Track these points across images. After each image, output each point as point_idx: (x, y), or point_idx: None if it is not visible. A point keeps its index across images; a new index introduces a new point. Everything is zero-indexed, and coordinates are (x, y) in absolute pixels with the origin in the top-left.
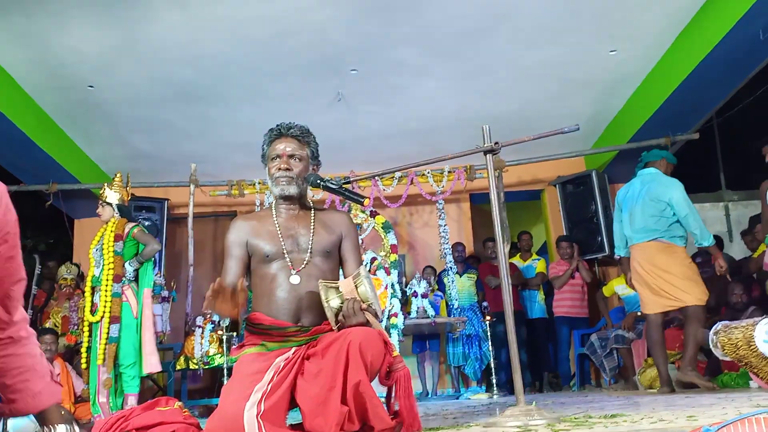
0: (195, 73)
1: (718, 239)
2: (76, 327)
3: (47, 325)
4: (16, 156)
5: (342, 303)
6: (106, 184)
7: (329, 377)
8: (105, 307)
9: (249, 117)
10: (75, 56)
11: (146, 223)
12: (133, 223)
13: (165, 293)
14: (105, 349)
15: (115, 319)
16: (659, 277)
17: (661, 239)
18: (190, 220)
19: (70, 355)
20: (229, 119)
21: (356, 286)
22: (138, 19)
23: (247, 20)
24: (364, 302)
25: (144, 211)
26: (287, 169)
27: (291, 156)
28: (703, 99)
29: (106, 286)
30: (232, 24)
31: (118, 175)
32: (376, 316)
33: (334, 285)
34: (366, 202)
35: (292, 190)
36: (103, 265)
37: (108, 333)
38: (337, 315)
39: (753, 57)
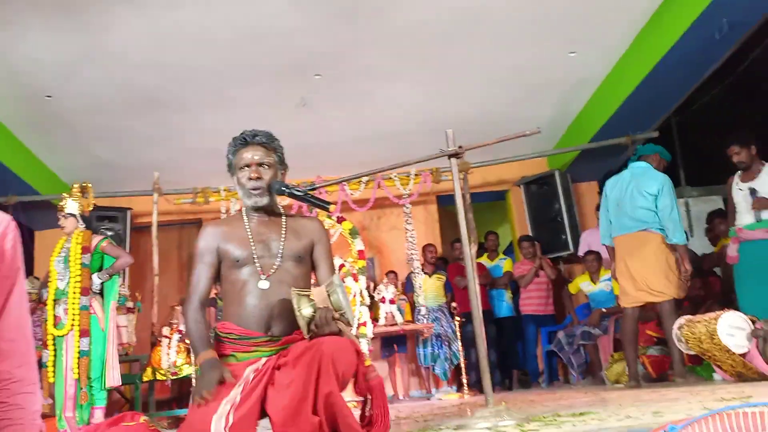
0: (158, 80)
1: None
2: (39, 342)
3: None
4: None
5: (314, 312)
6: (65, 195)
7: (300, 388)
8: (74, 320)
9: (214, 123)
10: (32, 65)
11: (109, 233)
12: (101, 236)
13: (130, 304)
14: (78, 363)
15: (84, 333)
16: (644, 268)
17: (651, 230)
18: (154, 229)
19: None
20: (193, 126)
21: (329, 295)
22: (97, 26)
23: (211, 26)
24: (336, 311)
25: (107, 221)
26: (258, 178)
27: (260, 164)
28: (661, 98)
29: (74, 299)
30: (195, 30)
31: (77, 185)
32: (348, 324)
33: (306, 293)
34: (332, 208)
35: (265, 201)
36: (70, 277)
37: (79, 347)
38: (309, 324)
39: (709, 57)
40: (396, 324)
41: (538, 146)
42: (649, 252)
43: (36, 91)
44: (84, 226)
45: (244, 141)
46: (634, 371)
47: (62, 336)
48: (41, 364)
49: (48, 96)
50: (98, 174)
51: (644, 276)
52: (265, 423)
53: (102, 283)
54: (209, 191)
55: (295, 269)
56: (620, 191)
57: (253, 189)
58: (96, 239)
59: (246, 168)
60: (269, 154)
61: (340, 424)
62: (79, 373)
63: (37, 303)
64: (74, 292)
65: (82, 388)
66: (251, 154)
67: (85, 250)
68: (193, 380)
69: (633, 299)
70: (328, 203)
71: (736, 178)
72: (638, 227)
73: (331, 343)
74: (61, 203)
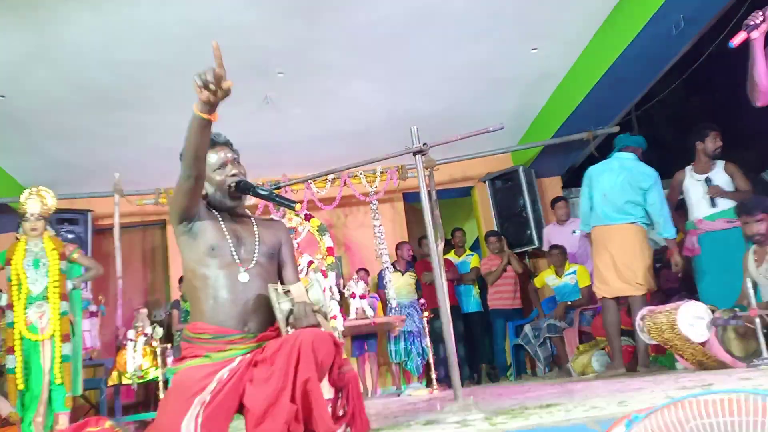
0: (113, 78)
1: None
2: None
3: None
4: None
5: (293, 306)
6: (26, 200)
7: (281, 379)
8: (55, 325)
9: (174, 122)
10: None
11: (69, 236)
12: (72, 245)
13: (93, 308)
14: (61, 368)
15: (66, 338)
16: (632, 261)
17: (638, 223)
18: (116, 230)
19: None
20: (152, 125)
21: (307, 290)
22: (49, 22)
23: (167, 23)
24: (314, 305)
25: (66, 223)
26: (239, 173)
27: (234, 161)
28: (622, 93)
29: (55, 304)
30: (150, 27)
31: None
32: (326, 318)
33: (284, 289)
34: (297, 207)
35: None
36: (48, 282)
37: (62, 352)
38: (287, 318)
39: (667, 51)
40: (367, 318)
41: (503, 142)
42: (636, 244)
43: None
44: (54, 232)
45: (213, 142)
46: (620, 357)
47: (37, 341)
48: (6, 371)
49: (0, 96)
50: (56, 175)
51: (632, 268)
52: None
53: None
54: (171, 191)
55: (268, 264)
56: (609, 181)
57: (237, 184)
58: (68, 248)
59: (224, 167)
60: (234, 153)
61: (314, 416)
62: (63, 379)
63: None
64: (55, 298)
65: (67, 393)
66: (223, 153)
67: (62, 256)
68: (160, 383)
69: (616, 290)
70: (294, 202)
71: (689, 171)
72: (625, 219)
73: (310, 332)
74: (23, 207)
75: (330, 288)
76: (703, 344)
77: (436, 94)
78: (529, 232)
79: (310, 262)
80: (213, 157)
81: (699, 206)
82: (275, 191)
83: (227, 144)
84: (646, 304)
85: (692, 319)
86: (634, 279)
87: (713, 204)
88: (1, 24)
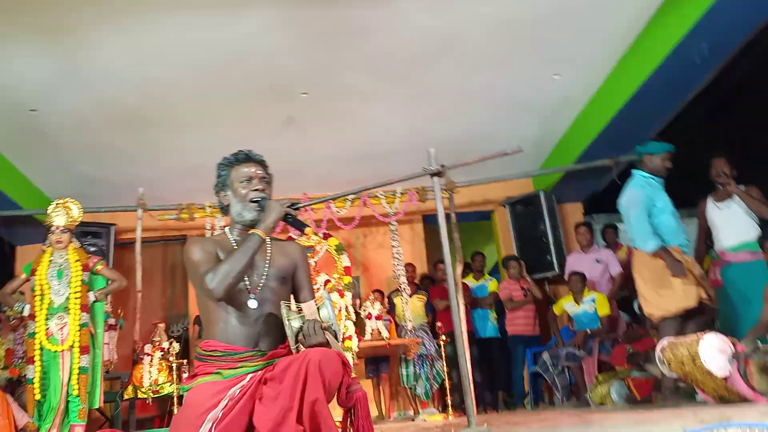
0: (141, 98)
1: None
2: (20, 360)
3: None
4: None
5: (303, 324)
6: (52, 212)
7: (288, 398)
8: (75, 337)
9: (197, 141)
10: (15, 80)
11: (92, 249)
12: (97, 258)
13: (112, 321)
14: (78, 380)
15: (85, 350)
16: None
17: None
18: (138, 245)
19: (12, 388)
20: (176, 143)
21: (318, 309)
22: (81, 44)
23: (193, 45)
24: (324, 323)
25: (90, 236)
26: (264, 190)
27: (262, 178)
28: (644, 121)
29: (75, 315)
30: (178, 49)
31: (62, 200)
32: (336, 337)
33: (296, 306)
34: (308, 231)
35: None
36: (70, 293)
37: (79, 363)
38: (297, 335)
39: (691, 80)
40: (382, 339)
41: (524, 167)
42: None
43: (21, 106)
44: (79, 244)
45: (247, 156)
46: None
47: (56, 351)
48: (26, 381)
49: (33, 110)
50: (82, 189)
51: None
52: None
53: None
54: (194, 207)
55: (279, 289)
56: (668, 203)
57: (259, 200)
58: (93, 260)
59: (250, 181)
60: (265, 172)
61: None
62: (79, 390)
63: (21, 320)
64: (75, 309)
65: (82, 405)
66: (254, 169)
67: (85, 267)
68: (175, 399)
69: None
70: (305, 225)
71: (710, 200)
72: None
73: (318, 352)
74: (49, 219)
75: (346, 308)
76: (725, 379)
77: (457, 117)
78: (549, 257)
79: (327, 281)
80: (243, 170)
81: (722, 235)
82: (296, 210)
83: (261, 163)
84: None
85: (713, 352)
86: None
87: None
88: (37, 44)
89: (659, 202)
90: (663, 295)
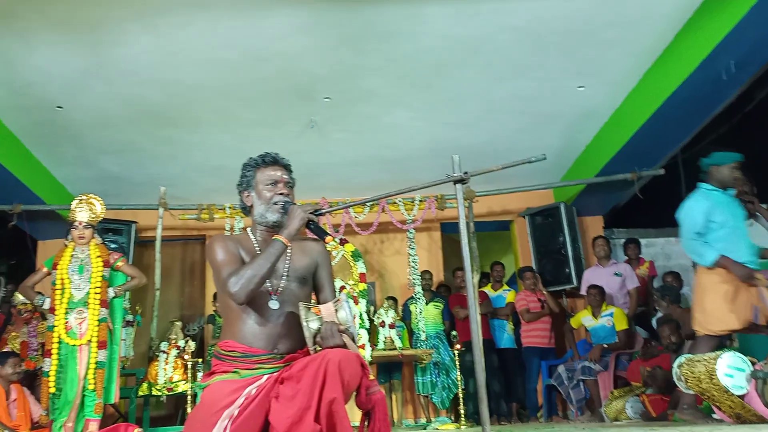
0: (165, 96)
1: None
2: (35, 352)
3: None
4: None
5: (321, 325)
6: (75, 208)
7: (306, 397)
8: (93, 331)
9: (220, 141)
10: (42, 76)
11: (112, 246)
12: (117, 254)
13: (129, 317)
14: (95, 374)
15: (102, 345)
16: None
17: None
18: (158, 243)
19: (28, 381)
20: (199, 143)
21: (336, 311)
22: (107, 42)
23: (219, 46)
24: (342, 325)
25: (110, 233)
26: (288, 195)
27: (286, 183)
28: (668, 136)
29: (95, 310)
30: (203, 49)
31: (85, 196)
32: (353, 339)
33: (315, 308)
34: (328, 239)
35: (283, 219)
36: (90, 288)
37: (97, 358)
38: (314, 337)
39: (716, 96)
40: (395, 349)
41: (544, 178)
42: None
43: (47, 102)
44: (100, 240)
45: (274, 159)
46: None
47: (75, 345)
48: (42, 373)
49: (59, 107)
50: (104, 186)
51: None
52: None
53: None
54: (214, 208)
55: (299, 290)
56: (731, 216)
57: (283, 204)
58: (113, 257)
59: (275, 184)
60: (290, 177)
61: None
62: (96, 385)
63: (32, 313)
64: (95, 304)
65: (98, 399)
66: (280, 173)
67: (106, 263)
68: (189, 397)
69: None
70: (326, 233)
71: None
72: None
73: (337, 352)
74: (73, 215)
75: (360, 315)
76: (742, 397)
77: (479, 126)
78: (567, 270)
79: (342, 288)
80: (269, 173)
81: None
82: (318, 216)
83: (286, 167)
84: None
85: (731, 370)
86: None
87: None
88: (64, 41)
89: (719, 217)
90: (707, 313)
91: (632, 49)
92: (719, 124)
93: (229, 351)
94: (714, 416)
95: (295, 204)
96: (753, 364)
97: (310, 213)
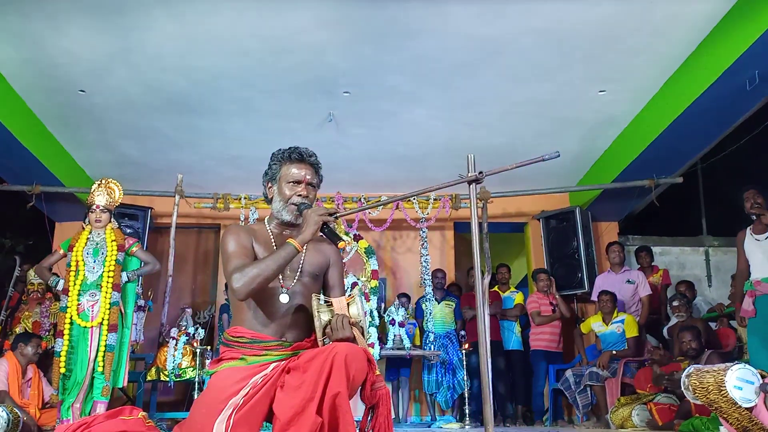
0: (187, 84)
1: (691, 284)
2: (47, 333)
3: (17, 330)
4: (1, 154)
5: (332, 317)
6: (95, 191)
7: (310, 388)
8: (104, 314)
9: (239, 131)
10: (68, 58)
11: (127, 231)
12: (133, 239)
13: (141, 302)
14: (104, 357)
15: (113, 328)
16: None
17: None
18: (172, 230)
19: (40, 361)
20: (218, 132)
21: (348, 305)
22: (134, 27)
23: (243, 36)
24: (352, 318)
25: (126, 218)
26: (306, 197)
27: (309, 183)
28: (687, 144)
29: (107, 293)
30: (228, 38)
31: (105, 180)
32: (363, 333)
33: (327, 300)
34: (341, 245)
35: (300, 220)
36: (104, 272)
37: (106, 341)
38: (324, 328)
39: (738, 106)
40: (403, 348)
41: (560, 182)
42: None
43: (70, 85)
44: (116, 225)
45: (300, 156)
46: None
47: (86, 327)
48: (53, 354)
49: (81, 91)
50: (122, 171)
51: None
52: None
53: (124, 283)
54: (230, 197)
55: (311, 284)
56: None
57: (299, 205)
58: (129, 242)
59: (297, 183)
60: (315, 176)
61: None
62: (104, 367)
63: (43, 293)
64: (107, 287)
65: (106, 382)
66: (304, 172)
67: (120, 248)
68: (196, 384)
69: None
70: (340, 239)
71: (749, 232)
72: None
73: (345, 346)
74: (91, 198)
75: (370, 313)
76: (750, 410)
77: (497, 127)
78: (580, 275)
79: (354, 284)
80: (293, 171)
81: (758, 267)
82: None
83: (314, 166)
84: None
85: (741, 382)
86: None
87: None
88: (89, 23)
89: None
90: None
91: (656, 56)
92: (740, 135)
93: (238, 337)
94: (722, 428)
95: (311, 207)
96: (762, 377)
97: (326, 216)
